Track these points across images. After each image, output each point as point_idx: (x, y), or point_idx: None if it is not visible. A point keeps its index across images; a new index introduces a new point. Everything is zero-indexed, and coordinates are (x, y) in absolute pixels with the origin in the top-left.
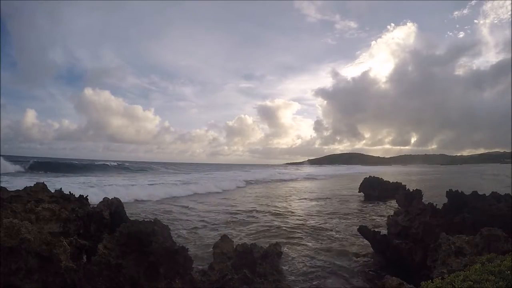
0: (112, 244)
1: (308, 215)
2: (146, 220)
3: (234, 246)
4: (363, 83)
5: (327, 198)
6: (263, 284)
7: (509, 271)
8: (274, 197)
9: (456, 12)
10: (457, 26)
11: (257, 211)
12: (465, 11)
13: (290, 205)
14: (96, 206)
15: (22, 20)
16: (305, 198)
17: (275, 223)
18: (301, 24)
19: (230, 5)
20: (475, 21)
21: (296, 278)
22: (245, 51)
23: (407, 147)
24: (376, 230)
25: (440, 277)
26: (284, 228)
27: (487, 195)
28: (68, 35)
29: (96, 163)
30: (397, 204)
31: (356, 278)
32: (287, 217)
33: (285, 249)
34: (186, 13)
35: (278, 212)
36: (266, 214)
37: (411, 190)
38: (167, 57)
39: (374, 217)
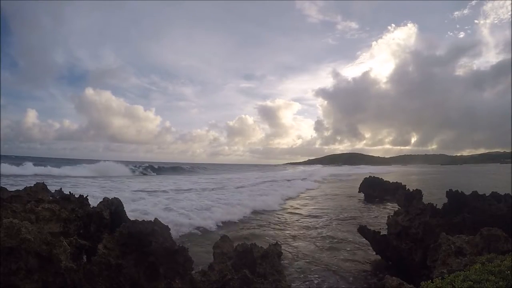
0: (112, 244)
1: (307, 214)
2: (146, 220)
3: (234, 246)
4: (364, 83)
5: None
6: (263, 284)
7: (509, 271)
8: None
9: (456, 12)
10: (458, 26)
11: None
12: (465, 11)
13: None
14: (96, 206)
15: (23, 20)
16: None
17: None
18: (302, 24)
19: (230, 5)
20: (476, 21)
21: (296, 278)
22: (245, 51)
23: (407, 147)
24: (376, 230)
25: (440, 277)
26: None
27: (487, 195)
28: (69, 35)
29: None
30: (397, 204)
31: (356, 278)
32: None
33: (284, 248)
34: (186, 13)
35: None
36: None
37: (411, 190)
38: (167, 57)
39: (373, 217)
